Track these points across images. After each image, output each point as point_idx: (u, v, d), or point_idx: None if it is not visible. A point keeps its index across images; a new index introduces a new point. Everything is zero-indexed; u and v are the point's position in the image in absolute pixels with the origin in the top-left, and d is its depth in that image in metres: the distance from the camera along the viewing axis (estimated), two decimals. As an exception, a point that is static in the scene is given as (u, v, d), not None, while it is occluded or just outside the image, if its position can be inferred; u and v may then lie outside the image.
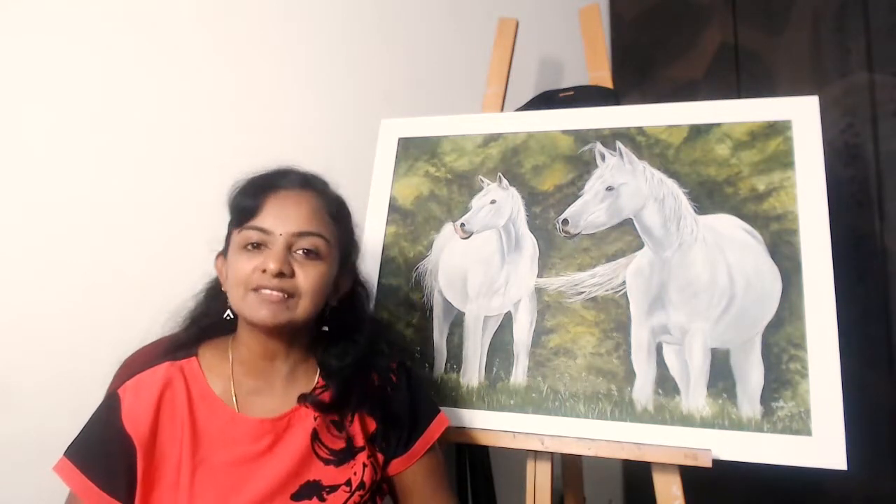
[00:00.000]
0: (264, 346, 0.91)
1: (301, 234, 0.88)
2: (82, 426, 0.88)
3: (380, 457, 0.96)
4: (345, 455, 0.92)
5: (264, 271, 0.85)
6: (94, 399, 1.01)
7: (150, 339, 1.07)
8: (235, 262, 0.88)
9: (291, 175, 0.93)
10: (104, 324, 1.25)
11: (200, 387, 0.90)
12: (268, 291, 0.86)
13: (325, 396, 0.93)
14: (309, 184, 0.93)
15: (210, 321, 0.96)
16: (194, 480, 0.85)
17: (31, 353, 1.20)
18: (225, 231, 0.94)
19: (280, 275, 0.85)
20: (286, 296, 0.86)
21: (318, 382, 0.94)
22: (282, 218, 0.88)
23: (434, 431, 1.00)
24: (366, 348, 0.97)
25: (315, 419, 0.91)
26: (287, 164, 0.95)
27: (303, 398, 0.91)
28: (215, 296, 0.96)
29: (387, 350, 1.02)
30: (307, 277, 0.87)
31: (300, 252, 0.88)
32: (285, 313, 0.87)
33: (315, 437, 0.91)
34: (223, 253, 0.94)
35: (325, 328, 0.97)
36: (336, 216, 0.94)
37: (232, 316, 0.93)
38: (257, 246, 0.88)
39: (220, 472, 0.86)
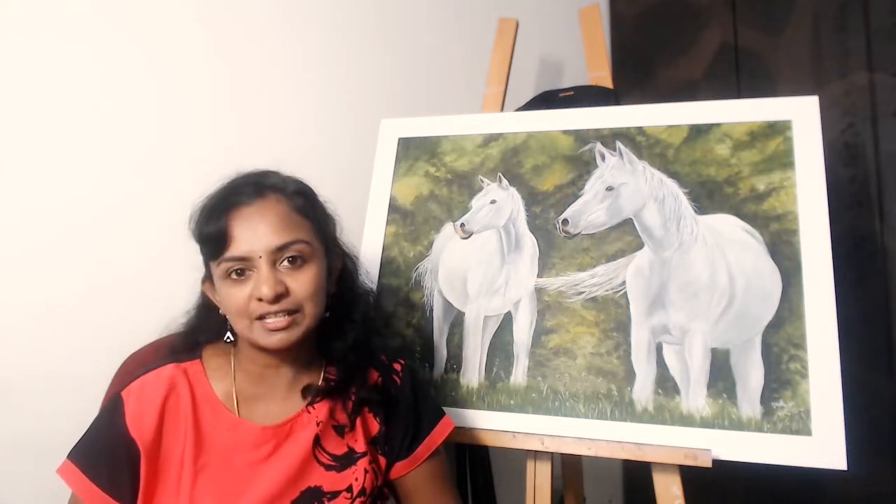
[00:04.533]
0: (271, 358, 0.90)
1: (281, 248, 0.84)
2: (85, 427, 0.88)
3: (382, 460, 0.96)
4: (346, 461, 0.92)
5: (260, 299, 0.83)
6: (94, 399, 1.02)
7: (151, 340, 1.07)
8: (226, 293, 0.85)
9: (244, 188, 0.87)
10: (105, 324, 1.25)
11: (204, 391, 0.89)
12: (272, 320, 0.83)
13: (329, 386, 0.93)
14: (265, 188, 0.88)
15: (207, 337, 0.94)
16: (195, 485, 0.84)
17: (31, 353, 1.20)
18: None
19: (278, 298, 0.83)
20: (290, 313, 0.84)
21: (321, 385, 0.94)
22: (254, 238, 0.83)
23: (438, 435, 1.00)
24: (362, 324, 0.96)
25: (318, 425, 0.91)
26: (235, 175, 0.90)
27: (306, 390, 0.91)
28: (209, 311, 0.94)
29: (382, 329, 1.01)
30: (302, 287, 0.85)
31: (286, 263, 0.85)
32: (296, 331, 0.85)
33: (317, 442, 0.90)
34: (207, 279, 0.91)
35: (327, 314, 0.93)
36: (304, 209, 0.89)
37: (233, 339, 0.91)
38: (241, 272, 0.84)
39: (222, 478, 0.86)
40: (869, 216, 1.39)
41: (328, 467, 0.90)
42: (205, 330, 0.94)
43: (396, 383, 0.99)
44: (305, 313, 0.86)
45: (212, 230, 0.85)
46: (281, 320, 0.84)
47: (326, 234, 0.93)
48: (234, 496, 0.85)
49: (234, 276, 0.84)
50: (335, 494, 0.89)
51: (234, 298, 0.84)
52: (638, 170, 1.19)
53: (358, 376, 0.95)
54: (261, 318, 0.84)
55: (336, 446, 0.92)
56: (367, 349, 0.97)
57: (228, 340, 0.92)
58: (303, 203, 0.90)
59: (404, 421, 0.97)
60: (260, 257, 0.83)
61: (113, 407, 0.87)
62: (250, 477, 0.86)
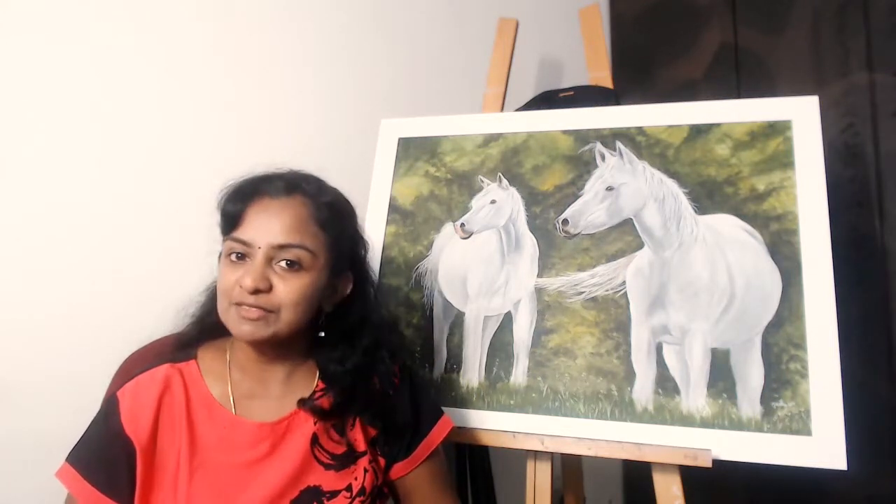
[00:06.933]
0: (258, 351, 0.90)
1: (282, 247, 0.84)
2: (83, 428, 0.88)
3: (381, 461, 0.96)
4: (346, 460, 0.91)
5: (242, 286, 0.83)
6: (94, 399, 1.01)
7: (151, 340, 1.07)
8: (221, 272, 0.87)
9: (277, 181, 0.89)
10: (105, 324, 1.25)
11: (199, 390, 0.89)
12: (245, 309, 0.84)
13: (325, 402, 0.91)
14: (296, 189, 0.88)
15: (213, 320, 0.93)
16: (192, 485, 0.84)
17: (31, 353, 1.20)
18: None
19: (256, 291, 0.83)
20: (265, 311, 0.84)
21: (317, 386, 0.93)
22: (263, 229, 0.85)
23: (437, 435, 0.99)
24: (366, 354, 0.94)
25: (315, 423, 0.91)
26: (276, 168, 0.91)
27: (302, 403, 0.90)
28: (215, 296, 0.94)
29: (388, 357, 0.97)
30: (288, 291, 0.84)
31: (282, 264, 0.85)
32: (265, 329, 0.84)
33: (315, 441, 0.90)
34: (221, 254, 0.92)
35: (322, 333, 0.93)
36: (326, 222, 0.89)
37: None
38: (241, 257, 0.85)
39: (218, 477, 0.85)
40: (869, 216, 1.39)
41: (327, 466, 0.90)
42: (212, 313, 0.92)
43: (394, 385, 0.98)
44: (280, 318, 0.85)
45: (231, 209, 0.87)
46: (253, 311, 0.84)
47: (341, 253, 0.92)
48: (232, 496, 0.85)
49: (233, 257, 0.86)
50: (335, 494, 0.89)
51: (225, 278, 0.86)
52: (638, 170, 1.19)
53: (357, 401, 0.93)
54: (238, 303, 0.84)
55: (335, 445, 0.91)
56: (369, 372, 0.95)
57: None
58: (327, 216, 0.89)
59: (403, 422, 0.97)
60: (259, 248, 0.84)
61: (109, 407, 0.87)
62: (249, 476, 0.86)
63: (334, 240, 0.90)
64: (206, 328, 0.95)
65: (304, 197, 0.88)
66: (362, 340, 0.95)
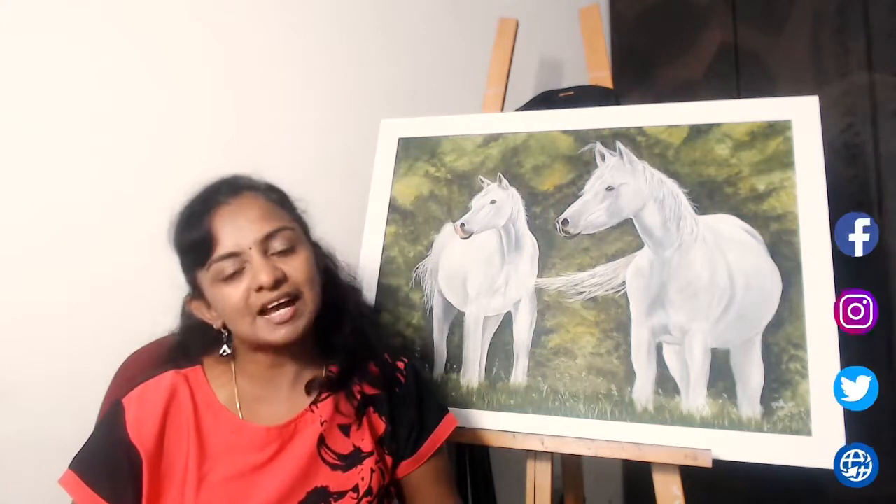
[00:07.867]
0: (274, 357, 0.90)
1: (269, 236, 0.85)
2: (85, 427, 0.87)
3: (388, 459, 0.96)
4: (352, 460, 0.91)
5: (259, 289, 0.82)
6: (94, 400, 1.02)
7: (151, 340, 1.07)
8: (221, 297, 0.84)
9: (222, 188, 0.88)
10: (105, 324, 1.25)
11: (206, 396, 0.89)
12: (276, 313, 0.83)
13: (332, 377, 0.93)
14: (239, 187, 0.89)
15: (198, 353, 0.92)
16: (200, 491, 0.84)
17: (31, 353, 1.20)
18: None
19: (276, 284, 0.83)
20: (293, 300, 0.84)
21: (324, 379, 0.94)
22: (240, 234, 0.84)
23: (442, 433, 1.00)
24: (358, 314, 0.97)
25: (322, 424, 0.91)
26: (210, 180, 0.90)
27: (310, 385, 0.91)
28: (201, 331, 0.92)
29: (376, 321, 1.02)
30: (298, 270, 0.85)
31: (276, 253, 0.85)
32: (300, 321, 0.85)
33: (321, 442, 0.90)
34: (194, 296, 0.90)
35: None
36: (281, 202, 0.91)
37: (229, 352, 0.91)
38: (234, 273, 0.84)
39: (227, 482, 0.85)
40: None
41: (334, 467, 0.90)
42: (196, 346, 0.93)
43: (400, 382, 0.99)
44: (306, 300, 0.86)
45: (195, 236, 0.85)
46: (285, 312, 0.84)
47: (304, 227, 0.94)
48: (240, 500, 0.85)
49: (226, 277, 0.84)
50: (341, 494, 0.89)
51: (231, 298, 0.84)
52: (638, 170, 1.19)
53: (359, 368, 0.95)
54: (263, 312, 0.84)
55: (342, 445, 0.92)
56: (366, 340, 0.97)
57: (225, 354, 0.91)
58: (278, 197, 0.92)
59: (409, 419, 0.97)
60: (250, 249, 0.84)
61: (113, 414, 0.86)
62: (256, 480, 0.86)
63: (295, 216, 0.93)
64: (200, 354, 0.94)
65: (250, 190, 0.90)
66: (350, 303, 0.97)
